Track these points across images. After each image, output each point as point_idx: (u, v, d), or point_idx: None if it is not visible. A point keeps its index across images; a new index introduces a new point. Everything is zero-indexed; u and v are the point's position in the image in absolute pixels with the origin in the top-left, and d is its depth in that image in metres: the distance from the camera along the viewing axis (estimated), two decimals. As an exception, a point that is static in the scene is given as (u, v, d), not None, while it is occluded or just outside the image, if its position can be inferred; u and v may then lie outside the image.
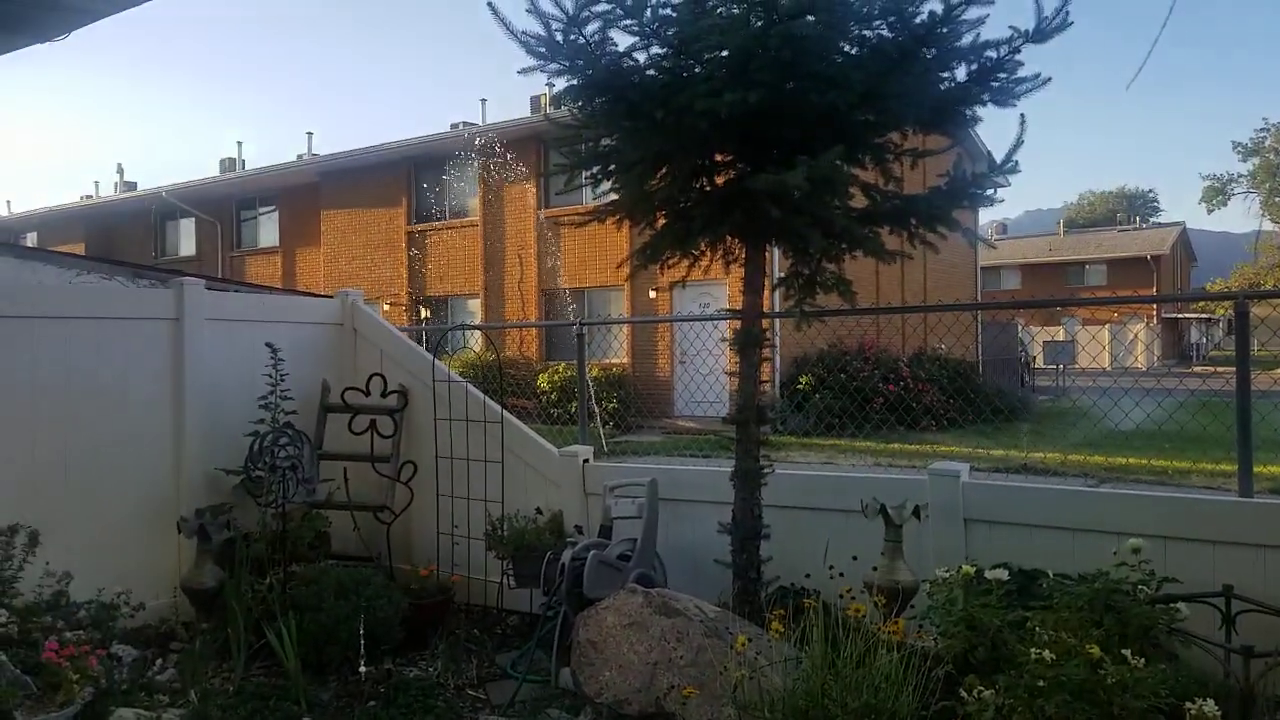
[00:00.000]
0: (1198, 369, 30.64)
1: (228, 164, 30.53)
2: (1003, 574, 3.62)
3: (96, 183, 35.02)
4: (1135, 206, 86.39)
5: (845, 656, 3.16)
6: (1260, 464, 5.68)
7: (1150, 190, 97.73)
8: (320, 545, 5.97)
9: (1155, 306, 46.66)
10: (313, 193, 25.40)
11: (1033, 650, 3.00)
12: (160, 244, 29.80)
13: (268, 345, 5.88)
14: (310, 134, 29.23)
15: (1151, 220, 72.86)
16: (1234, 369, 4.50)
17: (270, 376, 5.86)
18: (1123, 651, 2.98)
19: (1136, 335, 38.41)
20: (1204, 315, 54.67)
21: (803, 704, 3.16)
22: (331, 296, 7.03)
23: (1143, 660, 2.96)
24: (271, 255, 27.07)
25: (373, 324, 6.85)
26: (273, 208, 27.34)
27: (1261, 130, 63.04)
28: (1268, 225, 66.02)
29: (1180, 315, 50.75)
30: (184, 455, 5.73)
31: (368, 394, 6.28)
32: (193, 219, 28.56)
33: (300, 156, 28.12)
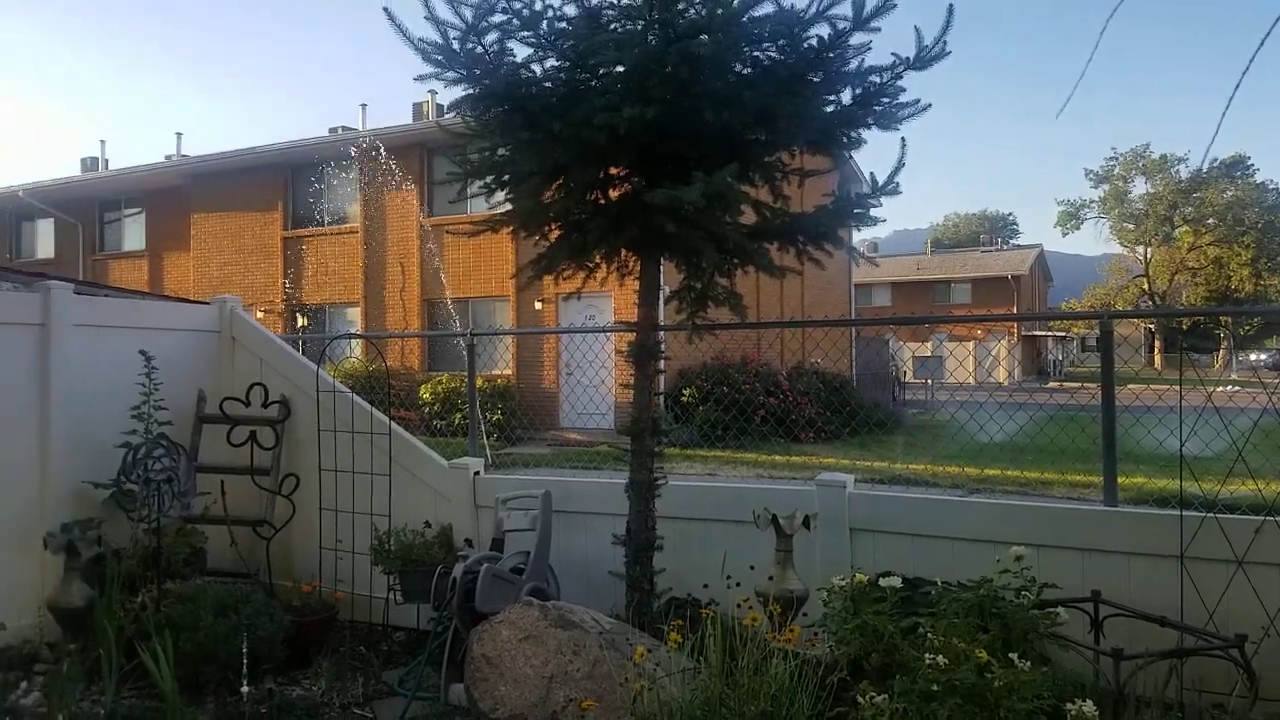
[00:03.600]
0: (1053, 385, 32.35)
1: (90, 163, 28.98)
2: (896, 582, 3.74)
3: (-58, 180, 32.73)
4: (997, 229, 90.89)
5: (742, 666, 3.22)
6: (1121, 475, 6.04)
7: (1010, 214, 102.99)
8: (195, 561, 5.72)
9: (1016, 324, 48.98)
10: (182, 195, 24.39)
11: (926, 655, 3.10)
12: (14, 245, 28.12)
13: (141, 353, 5.64)
14: (180, 134, 28.08)
15: (1011, 242, 76.67)
16: (1088, 385, 4.75)
17: (143, 386, 5.62)
18: (1009, 655, 3.11)
19: (999, 352, 40.32)
20: (1061, 334, 57.73)
21: (700, 714, 3.19)
22: (209, 303, 6.77)
23: (1027, 664, 3.10)
24: (137, 259, 25.87)
25: (253, 332, 6.62)
26: (139, 210, 26.14)
27: (1111, 159, 67.22)
28: (1116, 248, 70.33)
29: (1039, 333, 53.48)
30: (50, 468, 5.41)
31: (247, 404, 6.07)
32: (51, 220, 27.05)
33: (169, 157, 26.95)
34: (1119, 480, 4.78)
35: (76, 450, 5.52)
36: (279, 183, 22.94)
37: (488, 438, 14.67)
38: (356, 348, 19.26)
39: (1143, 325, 54.78)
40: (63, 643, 4.94)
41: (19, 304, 5.48)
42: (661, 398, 4.86)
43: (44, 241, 27.68)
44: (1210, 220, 63.36)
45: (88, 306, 5.79)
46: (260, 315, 21.85)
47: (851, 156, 5.51)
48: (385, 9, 4.07)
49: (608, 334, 12.21)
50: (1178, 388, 4.27)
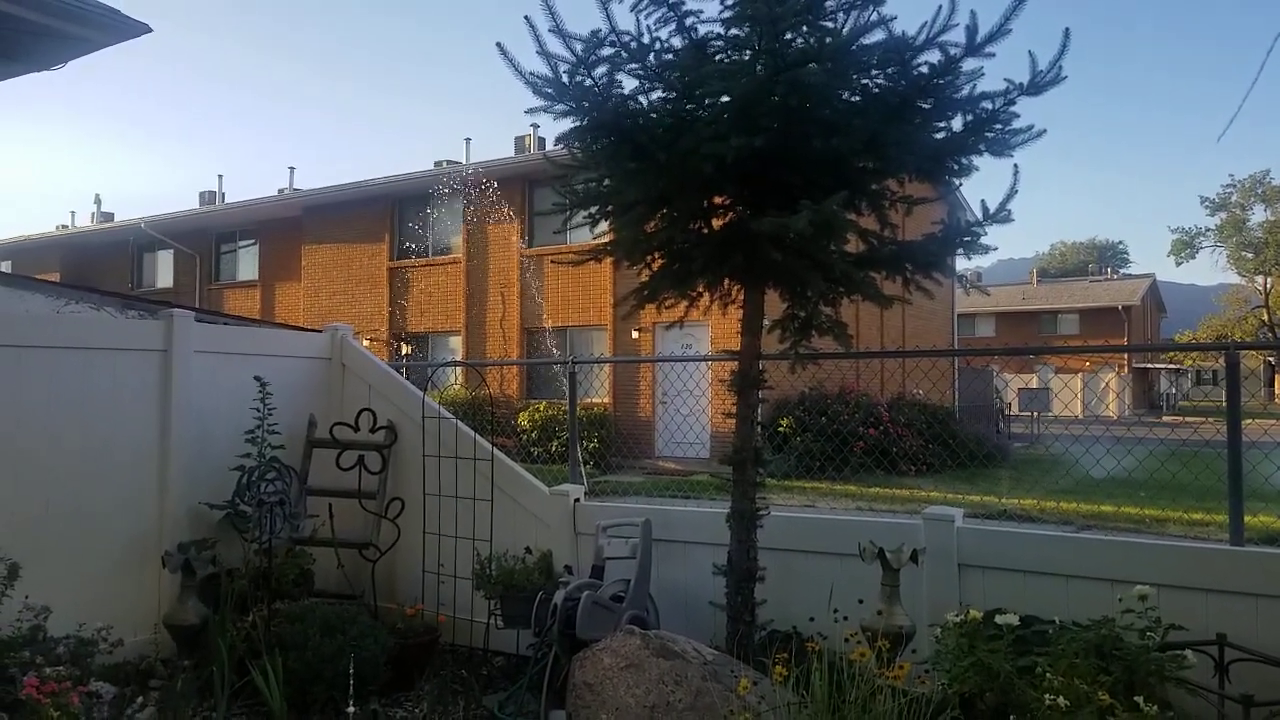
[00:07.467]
0: (1167, 419, 31.01)
1: (207, 197, 30.40)
2: (1013, 619, 3.61)
3: (73, 212, 34.86)
4: (1105, 257, 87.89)
5: (849, 702, 3.14)
6: (1247, 513, 5.72)
7: (1120, 242, 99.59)
8: (304, 582, 5.87)
9: (1127, 356, 47.19)
10: (294, 227, 25.36)
11: (1046, 696, 2.98)
12: (138, 275, 29.62)
13: (256, 379, 5.85)
14: (292, 169, 29.25)
15: (1122, 271, 74.01)
16: (1204, 419, 4.54)
17: (258, 410, 5.82)
18: (1133, 699, 2.97)
19: (1108, 384, 38.85)
20: (1174, 366, 55.34)
21: (806, 749, 3.13)
22: (320, 330, 6.98)
23: (1154, 708, 2.95)
24: (250, 289, 26.96)
25: (361, 359, 6.80)
26: (253, 241, 27.27)
27: (1229, 186, 64.48)
28: (1233, 278, 67.28)
29: (1151, 365, 51.37)
30: (168, 488, 5.63)
31: (356, 429, 6.22)
32: (171, 251, 28.44)
33: (282, 191, 28.08)
34: (1245, 519, 4.56)
35: (194, 471, 5.74)
36: (386, 215, 23.68)
37: (583, 465, 14.76)
38: (459, 375, 19.65)
39: (1262, 359, 52.15)
40: (176, 659, 5.11)
41: (145, 331, 5.74)
42: (759, 427, 4.79)
43: (164, 271, 29.10)
44: (1336, 248, 60.04)
45: (207, 333, 6.04)
46: (366, 343, 22.49)
47: (960, 184, 5.39)
48: (499, 44, 4.16)
49: (706, 363, 12.19)
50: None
